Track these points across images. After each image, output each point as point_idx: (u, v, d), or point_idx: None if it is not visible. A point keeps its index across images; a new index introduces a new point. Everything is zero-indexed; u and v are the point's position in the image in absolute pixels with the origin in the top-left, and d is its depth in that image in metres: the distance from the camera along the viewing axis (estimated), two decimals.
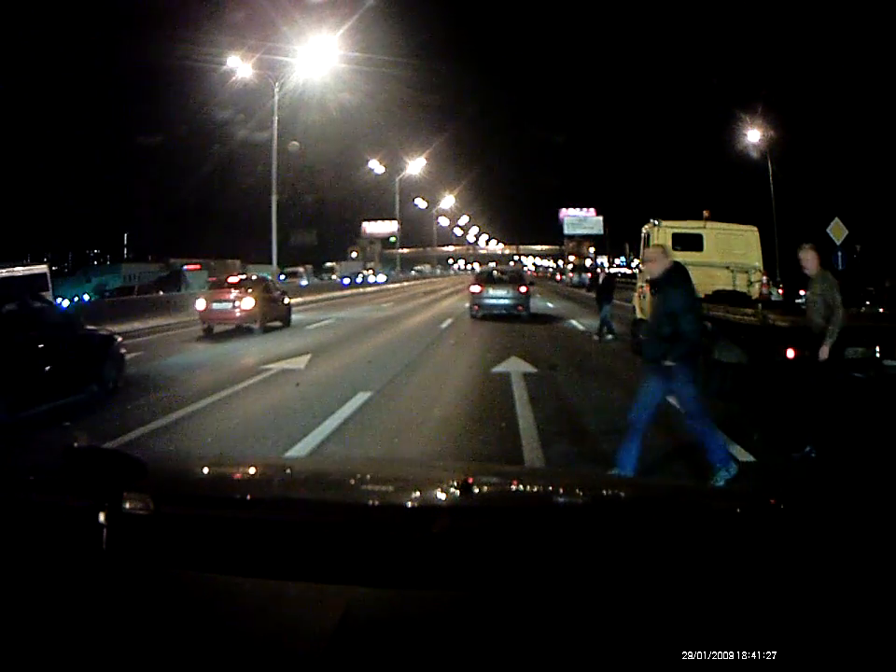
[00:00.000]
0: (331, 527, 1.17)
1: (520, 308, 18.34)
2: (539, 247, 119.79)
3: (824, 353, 5.66)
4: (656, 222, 11.70)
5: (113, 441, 5.75)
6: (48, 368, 7.35)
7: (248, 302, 15.45)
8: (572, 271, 61.65)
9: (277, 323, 16.91)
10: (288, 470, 2.04)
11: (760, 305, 8.12)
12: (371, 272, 65.23)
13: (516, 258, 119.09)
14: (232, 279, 17.40)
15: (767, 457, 5.38)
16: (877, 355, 7.13)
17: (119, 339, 9.29)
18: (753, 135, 30.25)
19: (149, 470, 1.20)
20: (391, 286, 51.00)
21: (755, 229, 11.60)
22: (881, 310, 10.88)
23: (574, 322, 18.52)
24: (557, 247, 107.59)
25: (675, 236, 11.28)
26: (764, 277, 11.30)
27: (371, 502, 1.54)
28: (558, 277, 73.03)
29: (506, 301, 18.54)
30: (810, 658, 0.91)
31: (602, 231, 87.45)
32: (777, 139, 29.68)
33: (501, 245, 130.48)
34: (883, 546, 1.13)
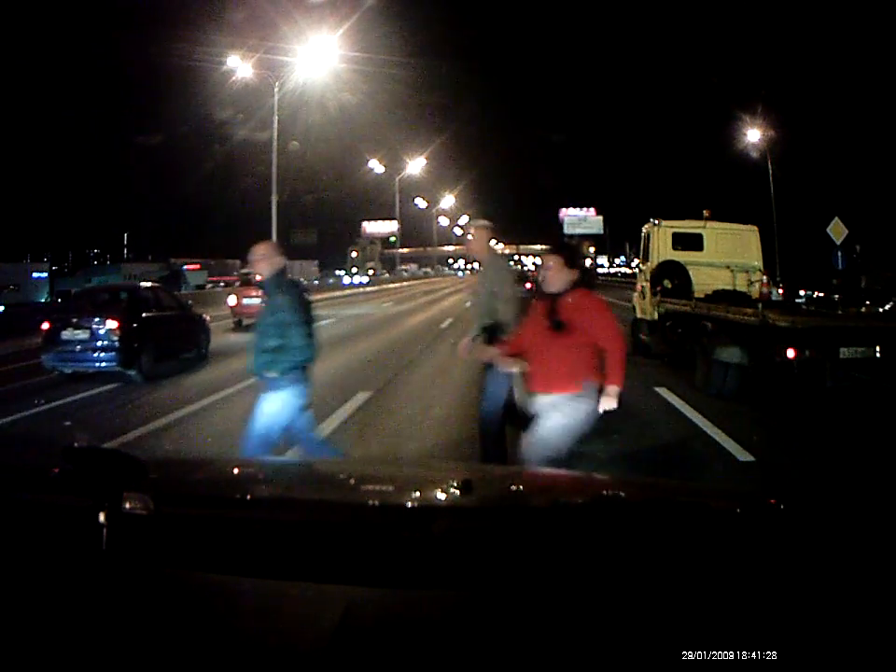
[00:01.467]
0: (331, 527, 1.17)
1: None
2: (539, 247, 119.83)
3: (462, 348, 4.59)
4: (656, 222, 11.63)
5: (113, 440, 5.75)
6: (170, 336, 10.47)
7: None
8: None
9: None
10: (288, 470, 2.04)
11: (760, 305, 8.15)
12: (347, 272, 60.76)
13: (516, 257, 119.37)
14: (259, 278, 18.31)
15: (767, 457, 5.38)
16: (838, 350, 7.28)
17: (208, 317, 12.55)
18: (753, 135, 30.26)
19: (149, 470, 1.20)
20: (370, 289, 45.22)
21: (755, 228, 11.53)
22: (885, 308, 10.91)
23: None
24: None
25: (675, 236, 11.28)
26: (765, 277, 11.21)
27: (371, 502, 1.54)
28: None
29: None
30: (810, 658, 0.91)
31: (602, 231, 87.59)
32: (776, 139, 29.70)
33: (501, 245, 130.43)
34: (882, 546, 1.13)
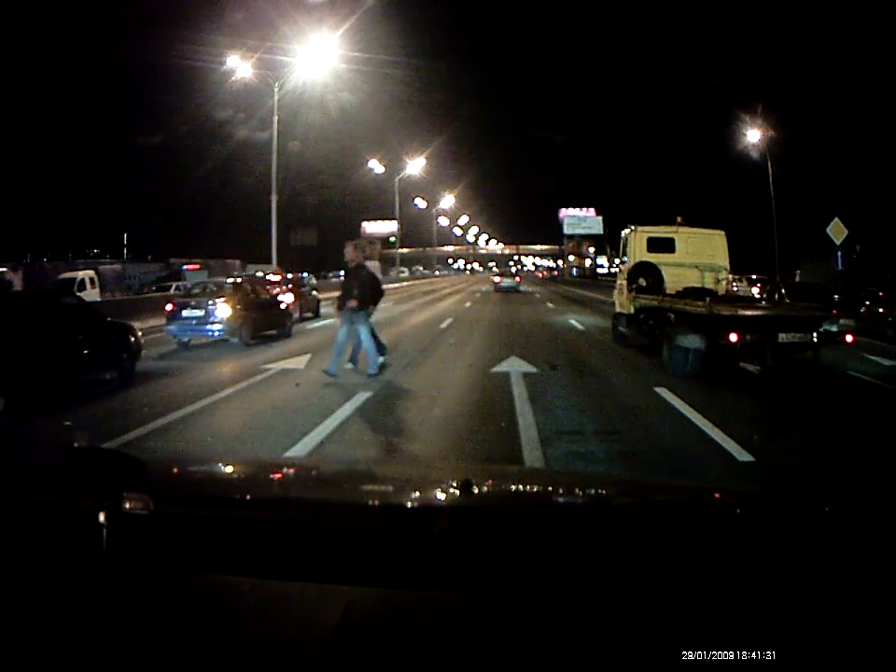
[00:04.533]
0: (331, 527, 1.17)
1: (516, 287, 40.71)
2: (538, 247, 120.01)
3: None
4: (633, 228, 12.96)
5: (113, 440, 5.75)
6: (262, 317, 13.86)
7: (288, 297, 18.49)
8: (546, 269, 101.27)
9: (309, 314, 19.92)
10: (288, 470, 2.04)
11: (708, 298, 9.52)
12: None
13: (516, 257, 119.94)
14: (273, 277, 20.35)
15: (767, 457, 5.38)
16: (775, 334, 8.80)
17: (289, 305, 16.14)
18: (753, 135, 30.27)
19: (149, 470, 1.20)
20: None
21: (723, 233, 12.72)
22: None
23: (573, 322, 18.55)
24: (557, 247, 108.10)
25: (650, 240, 12.63)
26: (730, 276, 12.68)
27: (371, 502, 1.54)
28: (540, 275, 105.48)
29: (510, 284, 40.70)
30: (810, 658, 0.91)
31: (602, 231, 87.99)
32: (776, 139, 29.70)
33: (501, 245, 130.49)
34: (882, 546, 1.13)
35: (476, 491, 1.36)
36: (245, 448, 5.81)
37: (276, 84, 25.93)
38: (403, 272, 73.96)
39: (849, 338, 10.34)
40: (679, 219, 13.02)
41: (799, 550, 1.14)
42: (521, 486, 1.85)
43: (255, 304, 13.72)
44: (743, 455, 5.35)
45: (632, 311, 12.10)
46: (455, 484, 1.40)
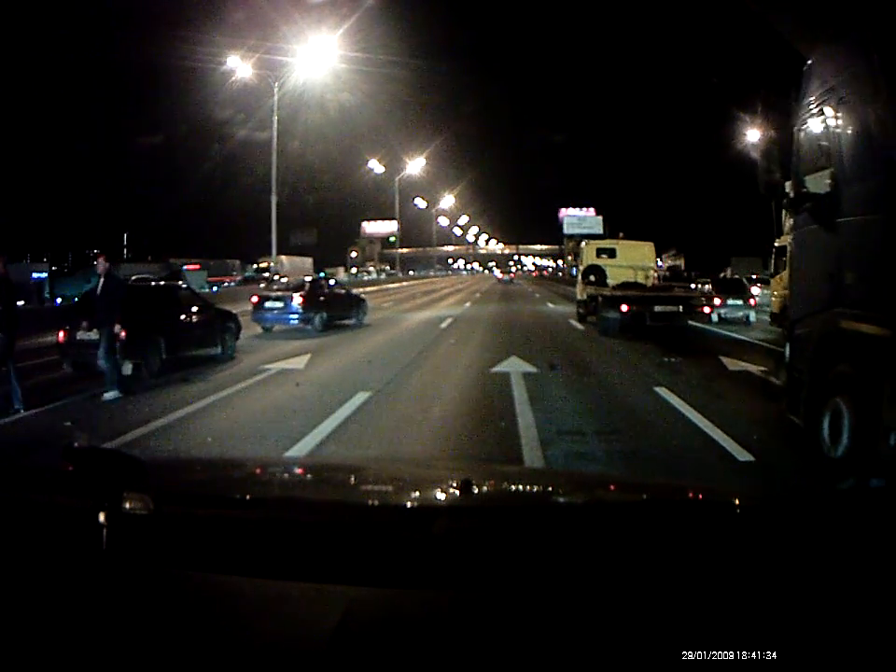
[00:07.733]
0: (331, 527, 1.17)
1: (512, 280, 62.38)
2: (538, 247, 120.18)
3: None
4: (587, 241, 20.56)
5: (113, 441, 5.75)
6: (335, 308, 16.54)
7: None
8: (538, 269, 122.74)
9: None
10: (288, 470, 2.04)
11: (611, 285, 16.61)
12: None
13: (515, 257, 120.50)
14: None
15: (767, 457, 5.38)
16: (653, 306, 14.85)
17: (364, 298, 18.75)
18: (753, 135, 30.24)
19: (149, 470, 1.20)
20: None
21: (651, 243, 19.77)
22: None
23: (572, 321, 18.57)
24: (557, 247, 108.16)
25: (597, 249, 19.68)
26: (655, 273, 19.19)
27: (370, 502, 1.54)
28: (534, 274, 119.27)
29: (507, 279, 63.12)
30: (810, 658, 0.91)
31: (602, 231, 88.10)
32: (776, 139, 29.66)
33: (501, 245, 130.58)
34: (881, 546, 1.13)
35: (476, 491, 1.36)
36: (246, 448, 5.81)
37: (276, 84, 25.93)
38: (371, 273, 67.93)
39: (706, 310, 16.83)
40: (620, 235, 20.25)
41: (800, 550, 1.14)
42: (521, 486, 1.85)
43: (327, 298, 16.28)
44: (743, 455, 5.35)
45: (585, 297, 17.97)
46: (454, 484, 1.40)
